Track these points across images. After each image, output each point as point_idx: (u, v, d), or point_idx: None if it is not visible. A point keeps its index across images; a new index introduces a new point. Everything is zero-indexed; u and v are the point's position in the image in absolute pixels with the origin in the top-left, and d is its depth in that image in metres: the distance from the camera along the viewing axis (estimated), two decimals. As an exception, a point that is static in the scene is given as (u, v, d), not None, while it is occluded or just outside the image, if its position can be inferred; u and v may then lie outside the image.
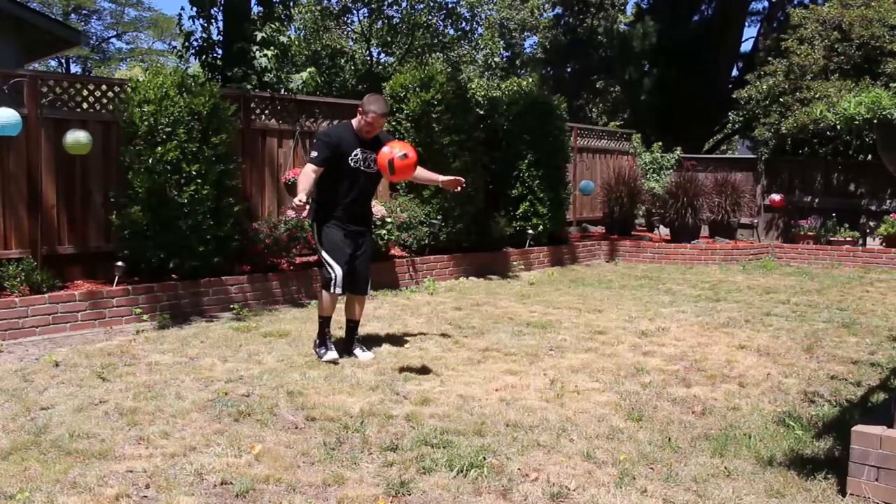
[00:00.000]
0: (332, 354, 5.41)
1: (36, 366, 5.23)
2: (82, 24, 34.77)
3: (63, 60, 32.15)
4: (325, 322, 5.54)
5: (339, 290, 5.42)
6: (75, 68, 35.22)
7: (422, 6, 17.94)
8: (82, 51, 31.66)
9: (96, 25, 36.59)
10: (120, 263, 6.89)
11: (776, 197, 13.43)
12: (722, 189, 12.73)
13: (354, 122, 5.49)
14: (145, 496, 3.22)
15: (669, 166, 13.93)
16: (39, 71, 9.15)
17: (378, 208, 8.50)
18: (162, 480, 3.35)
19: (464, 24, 18.60)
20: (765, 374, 5.25)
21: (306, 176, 5.31)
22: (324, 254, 5.45)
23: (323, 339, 5.52)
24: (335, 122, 9.53)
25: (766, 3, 24.39)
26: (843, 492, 3.26)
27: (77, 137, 6.71)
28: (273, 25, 9.75)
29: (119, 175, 7.25)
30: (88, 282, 7.13)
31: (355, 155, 5.40)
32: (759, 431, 4.07)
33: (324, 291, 5.51)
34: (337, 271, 5.39)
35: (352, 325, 5.73)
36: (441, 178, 5.71)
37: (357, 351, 5.62)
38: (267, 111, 8.91)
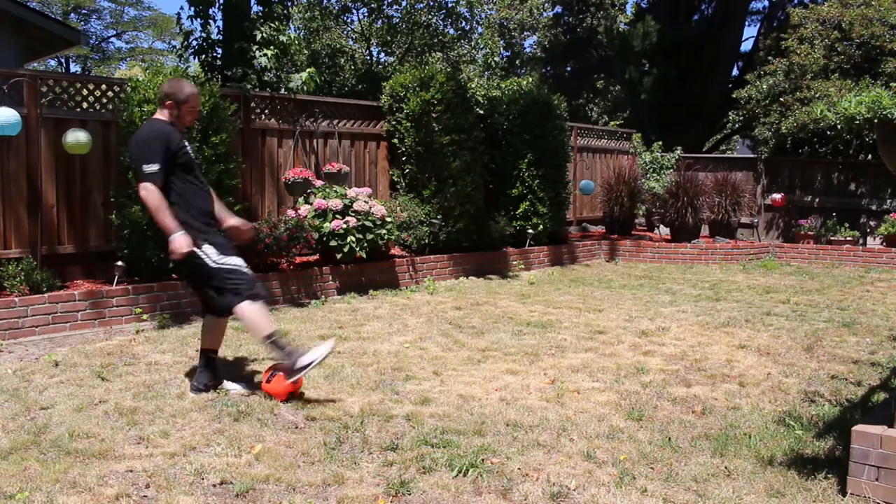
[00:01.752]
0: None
1: (36, 365, 5.23)
2: (82, 23, 34.76)
3: (63, 60, 32.14)
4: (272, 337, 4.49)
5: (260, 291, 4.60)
6: (75, 68, 35.22)
7: (422, 5, 17.93)
8: (82, 50, 31.63)
9: (96, 25, 36.58)
10: (120, 263, 6.89)
11: (777, 196, 13.42)
12: (722, 188, 12.74)
13: (164, 116, 4.59)
14: (145, 496, 3.22)
15: (669, 166, 13.93)
16: (39, 70, 9.15)
17: (378, 208, 8.51)
18: (162, 480, 3.35)
19: (463, 23, 18.59)
20: (765, 374, 5.25)
21: (160, 202, 4.34)
22: (224, 262, 4.49)
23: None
24: (336, 124, 9.54)
25: (767, 3, 24.43)
26: (843, 491, 3.26)
27: (77, 137, 6.71)
28: (272, 25, 9.74)
29: (119, 175, 7.25)
30: (88, 281, 7.12)
31: (187, 147, 4.58)
32: (759, 431, 4.07)
33: (247, 304, 4.44)
34: (248, 272, 4.58)
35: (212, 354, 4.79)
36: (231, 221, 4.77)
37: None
38: (267, 111, 8.91)
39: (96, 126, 7.28)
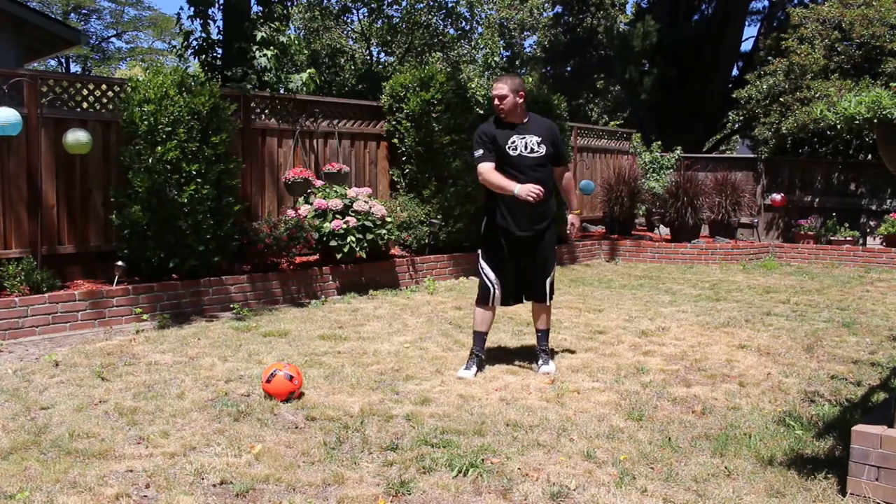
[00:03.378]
0: (466, 373, 5.07)
1: (36, 365, 5.23)
2: (82, 23, 34.76)
3: (63, 60, 32.15)
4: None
5: (496, 303, 5.18)
6: (75, 68, 35.22)
7: (422, 5, 17.93)
8: (82, 50, 31.63)
9: (96, 25, 36.58)
10: (120, 263, 6.89)
11: (777, 196, 13.42)
12: (722, 188, 12.73)
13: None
14: (145, 496, 3.22)
15: (669, 166, 13.93)
16: (39, 70, 9.15)
17: (378, 207, 8.51)
18: (162, 480, 3.35)
19: (463, 23, 18.60)
20: (765, 374, 5.25)
21: (490, 174, 4.96)
22: (481, 262, 5.16)
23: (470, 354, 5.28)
24: (336, 124, 9.55)
25: (767, 3, 24.42)
26: (843, 491, 3.26)
27: (77, 137, 6.71)
28: (272, 25, 9.74)
29: (119, 175, 7.26)
30: (88, 281, 7.13)
31: (512, 142, 5.02)
32: (759, 431, 4.07)
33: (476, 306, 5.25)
34: (494, 282, 5.12)
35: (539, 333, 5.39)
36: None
37: (540, 362, 5.28)
38: (267, 111, 8.91)
39: (96, 126, 7.28)
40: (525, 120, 5.12)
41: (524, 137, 5.05)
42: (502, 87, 4.98)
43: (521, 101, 5.04)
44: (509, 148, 5.00)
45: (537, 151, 5.05)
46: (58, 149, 6.98)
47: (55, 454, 3.62)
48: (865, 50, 13.46)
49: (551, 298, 5.29)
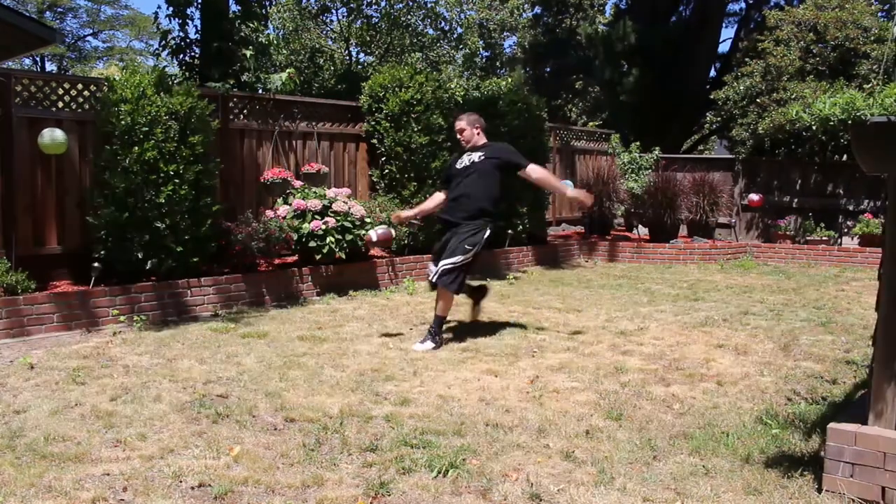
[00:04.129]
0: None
1: (10, 368, 5.17)
2: (57, 21, 34.41)
3: (38, 58, 31.78)
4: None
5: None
6: (51, 66, 34.86)
7: (401, 5, 17.90)
8: (57, 49, 31.30)
9: (72, 23, 36.25)
10: (96, 264, 6.82)
11: (755, 197, 13.54)
12: (700, 189, 12.82)
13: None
14: (122, 499, 3.19)
15: (648, 166, 13.99)
16: (13, 69, 9.03)
17: (357, 208, 8.49)
18: (139, 483, 3.32)
19: (443, 23, 18.61)
20: (742, 373, 5.29)
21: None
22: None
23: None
24: (315, 124, 9.53)
25: (743, 5, 24.60)
26: (819, 489, 3.30)
27: (54, 136, 6.64)
28: (251, 24, 9.69)
29: (96, 175, 7.18)
30: (65, 283, 7.05)
31: (460, 163, 6.23)
32: (737, 429, 4.10)
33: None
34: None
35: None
36: (569, 191, 6.39)
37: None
38: (245, 111, 8.86)
39: (72, 125, 7.21)
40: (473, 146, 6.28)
41: (471, 159, 6.19)
42: (458, 125, 6.28)
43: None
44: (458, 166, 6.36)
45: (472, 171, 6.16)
46: (33, 148, 6.90)
47: (30, 458, 3.57)
48: (840, 52, 13.62)
49: (444, 283, 5.99)
